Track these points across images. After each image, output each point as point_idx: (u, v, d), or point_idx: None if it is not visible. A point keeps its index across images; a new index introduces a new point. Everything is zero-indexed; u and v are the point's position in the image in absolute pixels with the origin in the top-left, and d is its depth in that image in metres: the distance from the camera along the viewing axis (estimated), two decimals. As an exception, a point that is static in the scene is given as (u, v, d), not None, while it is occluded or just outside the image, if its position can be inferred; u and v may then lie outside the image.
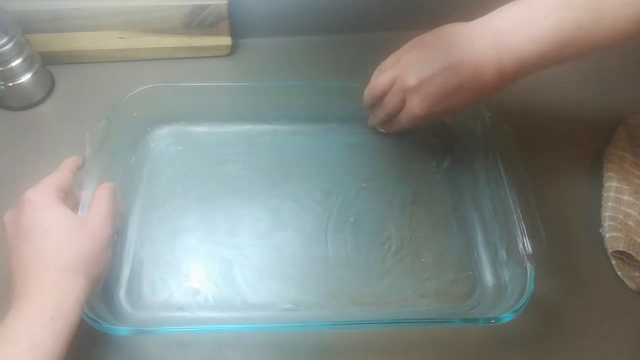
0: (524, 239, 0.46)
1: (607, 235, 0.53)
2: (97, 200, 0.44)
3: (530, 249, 0.46)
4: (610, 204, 0.54)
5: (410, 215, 0.55)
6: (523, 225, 0.47)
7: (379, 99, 0.53)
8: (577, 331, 0.49)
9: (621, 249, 0.51)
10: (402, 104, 0.51)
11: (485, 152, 0.54)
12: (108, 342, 0.46)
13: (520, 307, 0.43)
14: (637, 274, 0.52)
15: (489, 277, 0.51)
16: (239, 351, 0.47)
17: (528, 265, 0.45)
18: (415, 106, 0.49)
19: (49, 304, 0.36)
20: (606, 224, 0.53)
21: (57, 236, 0.39)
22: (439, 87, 0.47)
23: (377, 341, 0.48)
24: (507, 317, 0.43)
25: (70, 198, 0.45)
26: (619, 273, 0.52)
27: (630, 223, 0.53)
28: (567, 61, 0.44)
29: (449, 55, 0.46)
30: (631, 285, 0.51)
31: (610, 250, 0.52)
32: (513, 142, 0.51)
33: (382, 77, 0.51)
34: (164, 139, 0.59)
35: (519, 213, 0.48)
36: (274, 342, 0.47)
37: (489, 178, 0.53)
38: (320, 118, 0.60)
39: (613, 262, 0.52)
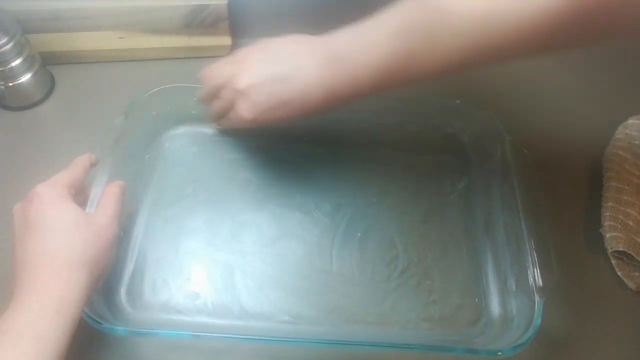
0: (535, 270, 0.45)
1: (607, 235, 0.53)
2: (106, 198, 0.45)
3: (540, 281, 0.44)
4: (610, 204, 0.54)
5: (420, 235, 0.53)
6: (535, 256, 0.46)
7: (213, 91, 0.51)
8: (576, 333, 0.49)
9: (621, 249, 0.51)
10: (232, 103, 0.49)
11: (503, 177, 0.52)
12: (106, 341, 0.46)
13: (526, 341, 0.42)
14: (637, 274, 0.52)
15: (495, 307, 0.50)
16: (234, 358, 0.47)
17: (537, 298, 0.44)
18: (243, 110, 0.47)
19: (52, 297, 0.37)
20: (606, 224, 0.53)
21: (62, 231, 0.40)
22: (265, 97, 0.46)
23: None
24: (510, 351, 0.42)
25: (81, 195, 0.45)
26: (619, 273, 0.52)
27: (630, 223, 0.53)
28: (402, 87, 0.44)
29: (283, 66, 0.45)
30: (631, 285, 0.51)
31: (610, 250, 0.52)
32: (534, 169, 0.50)
33: (220, 70, 0.49)
34: (179, 139, 0.59)
35: (532, 243, 0.46)
36: (270, 353, 0.47)
37: (504, 204, 0.51)
38: (336, 129, 0.58)
39: (613, 262, 0.52)
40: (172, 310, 0.48)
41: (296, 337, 0.47)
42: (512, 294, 0.48)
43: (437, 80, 0.43)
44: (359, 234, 0.53)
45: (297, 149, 0.58)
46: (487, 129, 0.55)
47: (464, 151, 0.59)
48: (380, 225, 0.54)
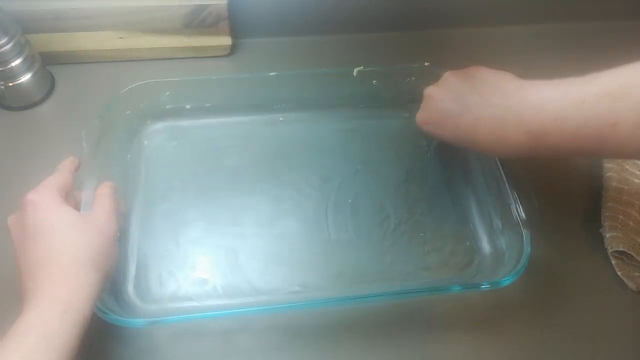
0: (517, 206, 0.48)
1: (607, 235, 0.53)
2: (100, 198, 0.45)
3: (523, 215, 0.47)
4: (610, 204, 0.54)
5: (406, 194, 0.56)
6: (515, 193, 0.48)
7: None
8: (576, 333, 0.49)
9: (621, 249, 0.51)
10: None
11: None
12: (119, 335, 0.46)
13: (519, 269, 0.45)
14: (637, 274, 0.52)
15: (486, 246, 0.52)
16: (249, 336, 0.48)
17: (523, 231, 0.46)
18: (418, 115, 0.52)
19: (61, 297, 0.37)
20: (606, 224, 0.53)
21: (65, 233, 0.40)
22: (435, 114, 0.49)
23: (382, 316, 0.49)
24: (507, 281, 0.45)
25: (70, 199, 0.45)
26: (619, 273, 0.52)
27: (630, 223, 0.53)
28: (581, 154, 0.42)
29: (471, 96, 0.46)
30: (631, 285, 0.51)
31: (610, 250, 0.52)
32: None
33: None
34: (157, 135, 0.59)
35: (510, 182, 0.49)
36: (283, 324, 0.48)
37: (479, 153, 0.54)
38: (313, 105, 0.61)
39: (613, 262, 0.52)
40: (183, 299, 0.49)
41: (303, 302, 0.49)
42: (499, 232, 0.51)
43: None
44: (350, 201, 0.55)
45: (277, 129, 0.60)
46: None
47: None
48: (368, 190, 0.56)
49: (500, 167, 0.50)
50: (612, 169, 0.57)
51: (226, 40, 0.66)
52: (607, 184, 0.56)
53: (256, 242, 0.52)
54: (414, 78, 0.60)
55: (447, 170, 0.58)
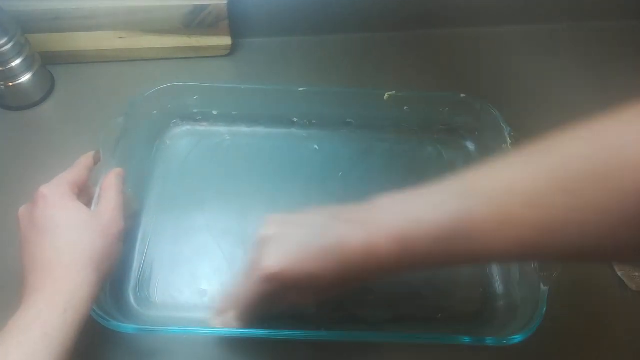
0: None
1: (607, 235, 0.53)
2: (106, 194, 0.45)
3: (543, 269, 0.44)
4: (610, 204, 0.54)
5: None
6: None
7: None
8: (577, 333, 0.49)
9: (621, 249, 0.51)
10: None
11: None
12: (115, 339, 0.46)
13: (531, 329, 0.42)
14: (637, 274, 0.52)
15: (500, 296, 0.50)
16: (244, 353, 0.47)
17: (541, 286, 0.44)
18: (268, 258, 0.38)
19: (61, 296, 0.37)
20: (606, 224, 0.53)
21: (71, 231, 0.40)
22: (295, 245, 0.38)
23: (382, 355, 0.47)
24: (517, 339, 0.42)
25: (85, 194, 0.45)
26: (619, 273, 0.52)
27: (630, 223, 0.53)
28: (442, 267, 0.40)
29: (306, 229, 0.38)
30: (631, 285, 0.51)
31: (610, 250, 0.52)
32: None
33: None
34: (181, 137, 0.59)
35: None
36: (278, 347, 0.47)
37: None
38: (338, 124, 0.59)
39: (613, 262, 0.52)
40: (181, 308, 0.48)
41: (304, 331, 0.45)
42: (516, 283, 0.49)
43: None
44: None
45: (299, 144, 0.59)
46: (488, 122, 0.56)
47: (465, 143, 0.60)
48: None
49: None
50: (612, 169, 0.56)
51: (226, 40, 0.66)
52: (607, 184, 0.56)
53: None
54: (447, 108, 0.58)
55: None
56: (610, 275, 0.52)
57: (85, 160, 0.47)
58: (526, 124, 0.54)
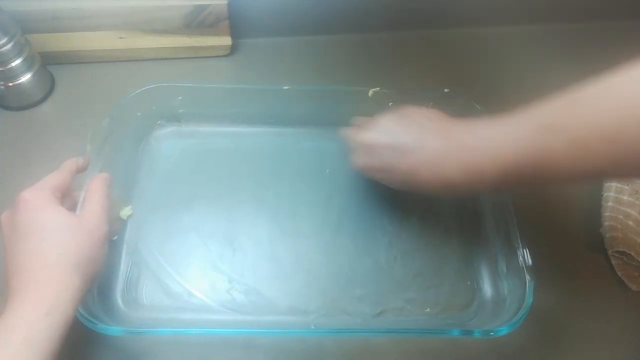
0: (524, 251, 0.46)
1: (607, 235, 0.53)
2: (91, 197, 0.44)
3: (530, 261, 0.46)
4: (610, 204, 0.54)
5: (411, 224, 0.54)
6: (523, 237, 0.47)
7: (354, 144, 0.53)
8: (577, 333, 0.49)
9: (621, 249, 0.51)
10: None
11: None
12: (103, 341, 0.46)
13: (518, 320, 0.43)
14: (637, 274, 0.52)
15: (488, 289, 0.51)
16: (233, 352, 0.47)
17: (527, 278, 0.45)
18: (358, 161, 0.51)
19: (45, 299, 0.37)
20: (606, 224, 0.53)
21: (53, 234, 0.40)
22: (378, 159, 0.48)
23: (372, 349, 0.48)
24: (504, 330, 0.43)
25: (68, 199, 0.45)
26: (619, 273, 0.52)
27: (630, 223, 0.53)
28: (530, 189, 0.43)
29: (407, 138, 0.46)
30: (631, 285, 0.51)
31: (610, 251, 0.52)
32: None
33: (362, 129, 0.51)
34: (166, 138, 0.59)
35: (519, 225, 0.48)
36: (267, 345, 0.47)
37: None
38: (324, 122, 0.59)
39: (613, 262, 0.52)
40: (169, 309, 0.48)
41: (293, 329, 0.48)
42: (503, 275, 0.50)
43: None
44: (352, 226, 0.54)
45: (287, 143, 0.59)
46: (472, 116, 0.55)
47: None
48: (372, 215, 0.55)
49: (511, 206, 0.49)
50: (612, 169, 0.57)
51: (226, 40, 0.66)
52: (607, 183, 0.56)
53: (249, 258, 0.51)
54: (431, 103, 0.58)
55: (457, 204, 0.56)
56: (610, 275, 0.52)
57: (70, 164, 0.46)
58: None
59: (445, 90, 0.57)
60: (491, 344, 0.48)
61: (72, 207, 0.44)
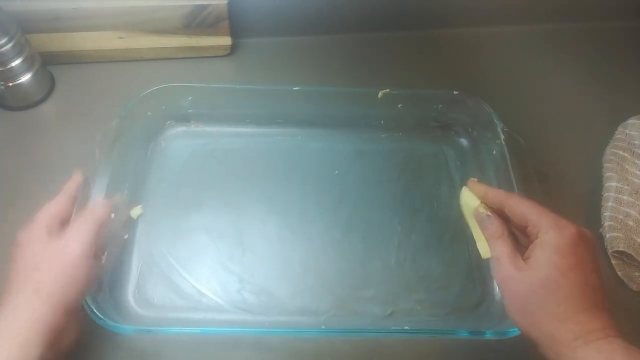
0: None
1: (607, 235, 0.53)
2: (79, 221, 0.43)
3: None
4: (610, 204, 0.54)
5: (420, 224, 0.54)
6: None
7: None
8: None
9: (621, 249, 0.51)
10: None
11: (497, 165, 0.54)
12: (115, 340, 0.46)
13: None
14: (637, 274, 0.52)
15: (497, 291, 0.50)
16: (243, 352, 0.47)
17: None
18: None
19: (9, 325, 0.37)
20: (606, 224, 0.53)
21: (36, 267, 0.40)
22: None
23: (383, 350, 0.48)
24: (516, 331, 0.43)
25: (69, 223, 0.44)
26: (619, 273, 0.52)
27: (630, 223, 0.53)
28: None
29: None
30: (631, 285, 0.51)
31: (610, 251, 0.52)
32: (528, 158, 0.51)
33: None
34: (176, 138, 0.59)
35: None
36: (278, 345, 0.47)
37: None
38: (334, 124, 0.60)
39: (613, 262, 0.52)
40: (180, 309, 0.48)
41: (304, 328, 0.48)
42: None
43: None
44: (361, 227, 0.54)
45: (296, 144, 0.59)
46: (482, 119, 0.56)
47: (459, 140, 0.60)
48: (381, 216, 0.55)
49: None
50: (612, 169, 0.57)
51: (226, 40, 0.66)
52: (607, 184, 0.56)
53: (259, 260, 0.51)
54: (440, 105, 0.58)
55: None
56: (610, 275, 0.52)
57: (69, 188, 0.46)
58: (519, 120, 0.54)
59: (455, 92, 0.57)
60: (501, 345, 0.47)
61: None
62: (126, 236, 0.51)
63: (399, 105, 0.58)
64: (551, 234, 0.38)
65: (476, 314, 0.49)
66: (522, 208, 0.41)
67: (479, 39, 0.71)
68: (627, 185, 0.55)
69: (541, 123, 0.62)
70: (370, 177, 0.57)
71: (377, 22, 0.69)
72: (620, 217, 0.53)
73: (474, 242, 0.46)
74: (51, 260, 0.40)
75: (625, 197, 0.54)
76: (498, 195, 0.43)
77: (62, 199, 0.45)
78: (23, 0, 0.59)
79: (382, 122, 0.60)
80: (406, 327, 0.48)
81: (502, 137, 0.53)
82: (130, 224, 0.52)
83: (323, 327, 0.48)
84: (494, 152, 0.54)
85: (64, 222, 0.43)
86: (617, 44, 0.72)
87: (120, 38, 0.64)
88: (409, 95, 0.58)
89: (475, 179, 0.48)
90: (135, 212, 0.52)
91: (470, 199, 0.46)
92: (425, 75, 0.67)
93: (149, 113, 0.56)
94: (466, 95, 0.57)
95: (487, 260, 0.46)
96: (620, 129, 0.60)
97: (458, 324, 0.49)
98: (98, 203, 0.45)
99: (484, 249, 0.44)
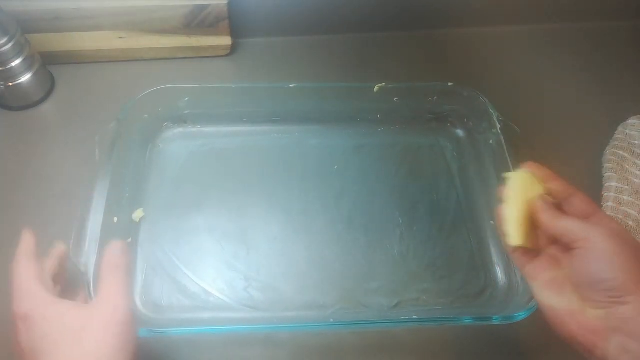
0: None
1: (607, 235, 0.53)
2: (108, 272, 0.37)
3: None
4: (610, 204, 0.54)
5: (420, 215, 0.55)
6: None
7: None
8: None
9: (621, 249, 0.51)
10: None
11: (495, 154, 0.54)
12: None
13: (534, 305, 0.43)
14: (637, 274, 0.52)
15: (501, 277, 0.51)
16: (253, 349, 0.47)
17: None
18: None
19: None
20: (606, 224, 0.53)
21: (67, 342, 0.34)
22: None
23: (390, 341, 0.48)
24: (520, 316, 0.43)
25: (61, 278, 0.41)
26: (619, 273, 0.52)
27: (630, 223, 0.53)
28: None
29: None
30: (631, 285, 0.51)
31: (610, 250, 0.52)
32: (528, 154, 0.50)
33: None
34: (173, 140, 0.59)
35: None
36: (287, 340, 0.48)
37: (500, 180, 0.51)
38: (332, 119, 0.60)
39: (613, 262, 0.52)
40: (188, 309, 0.48)
41: (312, 322, 0.48)
42: (514, 267, 0.50)
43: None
44: (363, 220, 0.54)
45: (294, 142, 0.59)
46: (478, 109, 0.57)
47: (455, 131, 0.61)
48: (382, 209, 0.55)
49: None
50: (612, 169, 0.57)
51: (226, 40, 0.66)
52: (607, 184, 0.56)
53: (264, 257, 0.52)
54: (436, 97, 0.59)
55: (467, 194, 0.56)
56: (610, 275, 0.52)
57: (57, 251, 0.41)
58: (519, 121, 0.54)
59: (449, 84, 0.58)
60: (506, 331, 0.48)
61: (67, 286, 0.41)
62: (129, 240, 0.51)
63: (395, 99, 0.59)
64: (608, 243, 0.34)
65: (481, 300, 0.50)
66: (585, 205, 0.38)
67: (479, 39, 0.71)
68: (627, 185, 0.55)
69: (541, 123, 0.62)
70: (369, 171, 0.58)
71: (377, 22, 0.69)
72: (620, 217, 0.53)
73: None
74: (97, 330, 0.34)
75: (625, 197, 0.54)
76: (564, 186, 0.40)
77: (52, 260, 0.40)
78: (23, 0, 0.59)
79: (378, 116, 0.60)
80: (414, 317, 0.49)
81: (498, 126, 0.54)
82: (132, 228, 0.52)
83: (332, 320, 0.48)
84: (491, 142, 0.55)
85: (56, 277, 0.39)
86: (617, 44, 0.72)
87: (120, 38, 0.64)
88: (404, 88, 0.59)
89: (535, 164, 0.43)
90: (137, 215, 0.52)
91: (529, 183, 0.41)
92: (426, 75, 0.67)
93: (145, 115, 0.56)
94: (461, 86, 0.57)
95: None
96: (620, 129, 0.60)
97: (464, 311, 0.49)
98: (116, 248, 0.39)
99: (516, 235, 0.39)
